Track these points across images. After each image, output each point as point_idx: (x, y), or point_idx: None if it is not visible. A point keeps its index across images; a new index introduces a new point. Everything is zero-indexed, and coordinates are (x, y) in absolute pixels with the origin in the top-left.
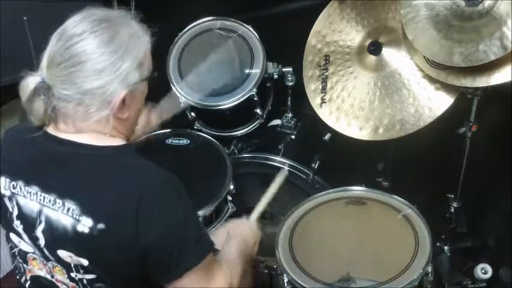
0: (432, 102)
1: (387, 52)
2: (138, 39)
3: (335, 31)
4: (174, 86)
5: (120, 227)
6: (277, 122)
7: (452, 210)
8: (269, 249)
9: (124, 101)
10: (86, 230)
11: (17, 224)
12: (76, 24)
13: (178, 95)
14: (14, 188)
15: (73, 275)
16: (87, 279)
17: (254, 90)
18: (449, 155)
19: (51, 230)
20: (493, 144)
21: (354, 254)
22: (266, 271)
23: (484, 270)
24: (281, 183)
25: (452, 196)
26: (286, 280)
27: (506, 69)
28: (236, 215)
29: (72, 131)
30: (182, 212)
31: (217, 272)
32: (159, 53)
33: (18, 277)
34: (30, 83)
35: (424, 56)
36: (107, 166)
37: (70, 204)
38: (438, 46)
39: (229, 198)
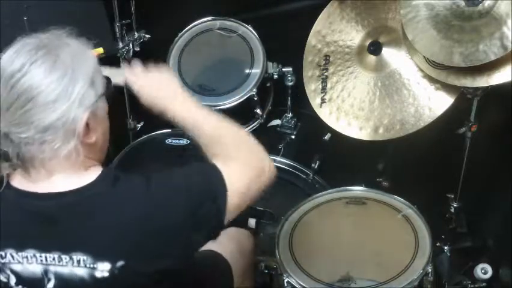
0: (432, 102)
1: (387, 52)
2: (81, 56)
3: (335, 31)
4: None
5: (141, 255)
6: (277, 122)
7: (452, 210)
8: (269, 249)
9: (87, 125)
10: (106, 274)
11: None
12: (12, 59)
13: None
14: (2, 258)
15: None
16: None
17: (254, 90)
18: (449, 155)
19: (66, 284)
20: (493, 144)
21: (354, 254)
22: (266, 271)
23: (484, 270)
24: None
25: (452, 196)
26: (286, 280)
27: (506, 69)
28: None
29: (44, 174)
30: (188, 222)
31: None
32: (159, 53)
33: None
34: None
35: (424, 56)
36: (98, 206)
37: (79, 256)
38: (438, 46)
39: None
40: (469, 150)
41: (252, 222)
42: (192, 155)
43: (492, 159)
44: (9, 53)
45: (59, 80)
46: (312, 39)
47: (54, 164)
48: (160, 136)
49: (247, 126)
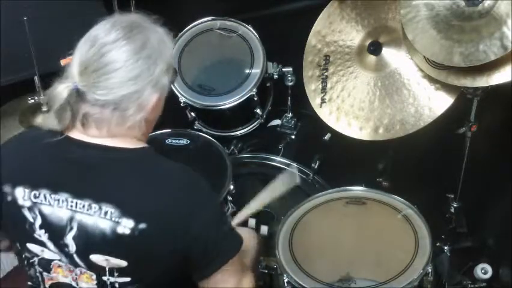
0: (432, 102)
1: (387, 52)
2: (165, 43)
3: (335, 31)
4: (174, 86)
5: (161, 226)
6: (277, 122)
7: (452, 210)
8: (269, 249)
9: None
10: (127, 231)
11: (40, 234)
12: (108, 31)
13: (178, 94)
14: (36, 197)
15: (105, 278)
16: (119, 283)
17: (254, 90)
18: (449, 155)
19: (86, 235)
20: (493, 144)
21: (354, 254)
22: (266, 271)
23: (484, 270)
24: (283, 189)
25: (452, 196)
26: (286, 280)
27: (506, 69)
28: (236, 214)
29: (105, 135)
30: (214, 208)
31: (247, 267)
32: None
33: (34, 286)
34: (63, 90)
35: (424, 56)
36: (140, 168)
37: (108, 208)
38: (438, 46)
39: (229, 198)
40: (469, 150)
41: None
42: (192, 155)
43: (492, 159)
44: (106, 25)
45: (145, 59)
46: (312, 39)
47: (118, 130)
48: (160, 136)
49: (247, 126)
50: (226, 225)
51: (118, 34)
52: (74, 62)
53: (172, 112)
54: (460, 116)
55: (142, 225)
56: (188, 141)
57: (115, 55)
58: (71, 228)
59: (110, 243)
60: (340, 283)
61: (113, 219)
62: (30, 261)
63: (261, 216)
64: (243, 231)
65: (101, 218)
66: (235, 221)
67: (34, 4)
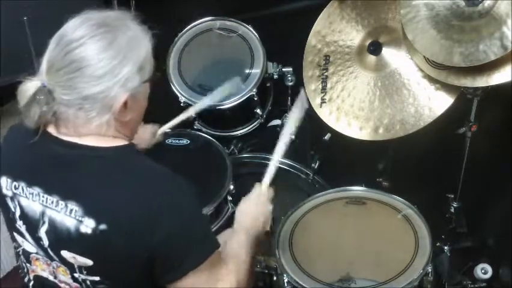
0: (432, 102)
1: (387, 52)
2: (138, 42)
3: (335, 31)
4: (174, 86)
5: (122, 228)
6: (277, 122)
7: (452, 210)
8: (269, 249)
9: (125, 104)
10: (89, 231)
11: (20, 224)
12: (75, 29)
13: (178, 94)
14: (15, 188)
15: (76, 275)
16: (90, 281)
17: (254, 90)
18: (449, 155)
19: (55, 231)
20: (493, 144)
21: (354, 254)
22: (266, 271)
23: (484, 270)
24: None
25: (452, 196)
26: (286, 280)
27: (506, 69)
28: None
29: (73, 134)
30: (188, 212)
31: (223, 272)
32: (159, 53)
33: (21, 276)
34: (30, 87)
35: (424, 56)
36: (110, 168)
37: (73, 206)
38: (438, 46)
39: (229, 198)
40: (469, 150)
41: None
42: (192, 155)
43: (492, 159)
44: (74, 22)
45: (110, 59)
46: (312, 39)
47: (85, 129)
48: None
49: (247, 126)
50: (199, 229)
51: (84, 31)
52: (44, 59)
53: (172, 112)
54: (460, 116)
55: (103, 226)
56: (189, 141)
57: (79, 54)
58: (44, 223)
59: (75, 242)
60: (340, 283)
61: (77, 217)
62: (17, 250)
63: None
64: (251, 209)
65: (67, 215)
66: (265, 182)
67: (34, 4)
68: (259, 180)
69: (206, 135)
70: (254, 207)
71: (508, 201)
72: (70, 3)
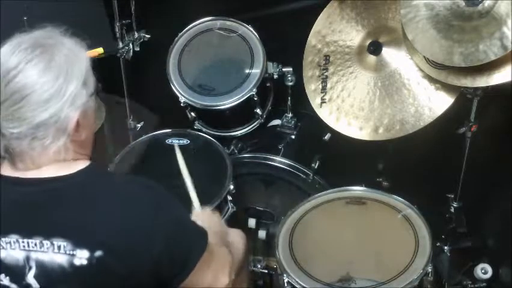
0: (432, 102)
1: (387, 52)
2: (75, 57)
3: (335, 31)
4: (174, 86)
5: (120, 249)
6: (277, 122)
7: (452, 210)
8: (269, 249)
9: (78, 123)
10: (85, 262)
11: (2, 278)
12: (9, 56)
13: (178, 94)
14: None
15: None
16: None
17: (254, 90)
18: (449, 155)
19: (46, 272)
20: (493, 144)
21: (354, 254)
22: (266, 271)
23: (484, 270)
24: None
25: (452, 196)
26: (286, 280)
27: (506, 69)
28: (236, 215)
29: (32, 167)
30: (175, 210)
31: (219, 251)
32: (159, 53)
33: None
34: None
35: (424, 56)
36: (81, 194)
37: (59, 242)
38: (438, 46)
39: (229, 198)
40: (469, 150)
41: (252, 222)
42: (192, 155)
43: (492, 159)
44: (6, 50)
45: (53, 81)
46: (312, 39)
47: (43, 159)
48: (160, 136)
49: (247, 126)
50: (188, 222)
51: (19, 58)
52: None
53: (172, 112)
54: (460, 116)
55: (98, 253)
56: (189, 141)
57: (19, 82)
58: (30, 268)
59: (71, 276)
60: (340, 283)
61: (67, 252)
62: None
63: (261, 216)
64: (233, 233)
65: (56, 253)
66: (195, 203)
67: (34, 4)
68: (259, 180)
69: (206, 135)
70: (202, 216)
71: (508, 202)
72: (70, 3)
